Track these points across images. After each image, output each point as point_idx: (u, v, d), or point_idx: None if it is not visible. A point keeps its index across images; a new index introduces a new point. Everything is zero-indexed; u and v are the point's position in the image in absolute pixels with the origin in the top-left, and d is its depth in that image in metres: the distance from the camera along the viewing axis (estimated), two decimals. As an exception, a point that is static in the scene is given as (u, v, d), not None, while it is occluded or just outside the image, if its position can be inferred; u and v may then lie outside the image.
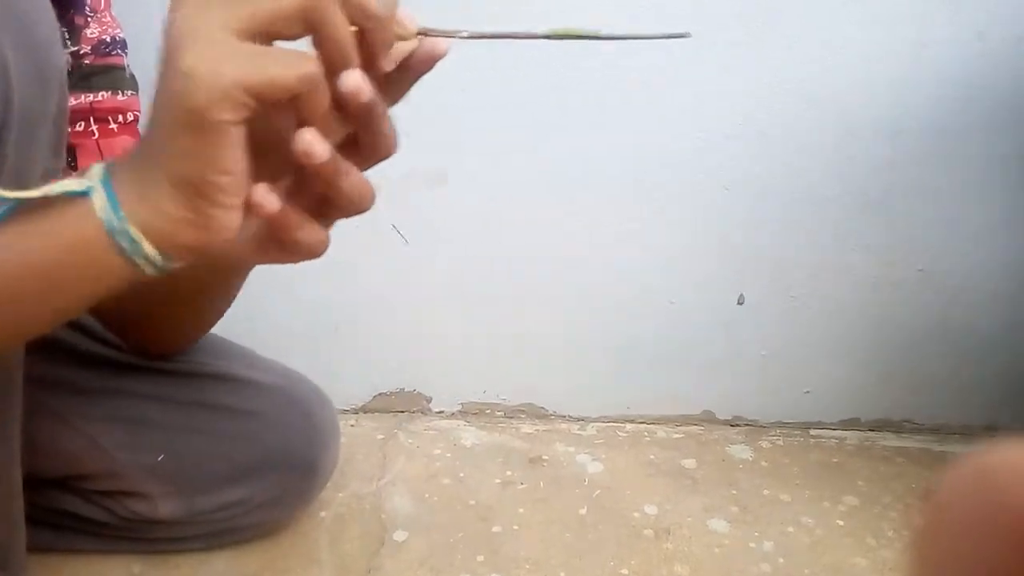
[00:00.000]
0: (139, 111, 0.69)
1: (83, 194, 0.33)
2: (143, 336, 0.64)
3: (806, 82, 0.87)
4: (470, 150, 0.91)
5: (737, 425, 1.02)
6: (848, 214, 0.93)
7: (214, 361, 0.69)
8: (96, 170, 0.34)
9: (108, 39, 0.67)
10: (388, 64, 0.34)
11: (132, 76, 0.69)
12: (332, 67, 0.32)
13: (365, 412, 1.02)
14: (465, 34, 0.35)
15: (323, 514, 0.81)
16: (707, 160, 0.91)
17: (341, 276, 0.95)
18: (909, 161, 0.91)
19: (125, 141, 0.65)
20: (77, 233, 0.33)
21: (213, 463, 0.67)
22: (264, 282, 0.91)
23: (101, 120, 0.68)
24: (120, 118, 0.67)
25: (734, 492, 0.90)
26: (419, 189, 0.92)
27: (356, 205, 0.38)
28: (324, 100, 0.32)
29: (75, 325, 0.66)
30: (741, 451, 0.98)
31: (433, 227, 0.94)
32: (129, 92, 0.68)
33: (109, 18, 0.68)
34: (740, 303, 0.96)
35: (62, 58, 0.46)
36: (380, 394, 1.01)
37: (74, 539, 0.69)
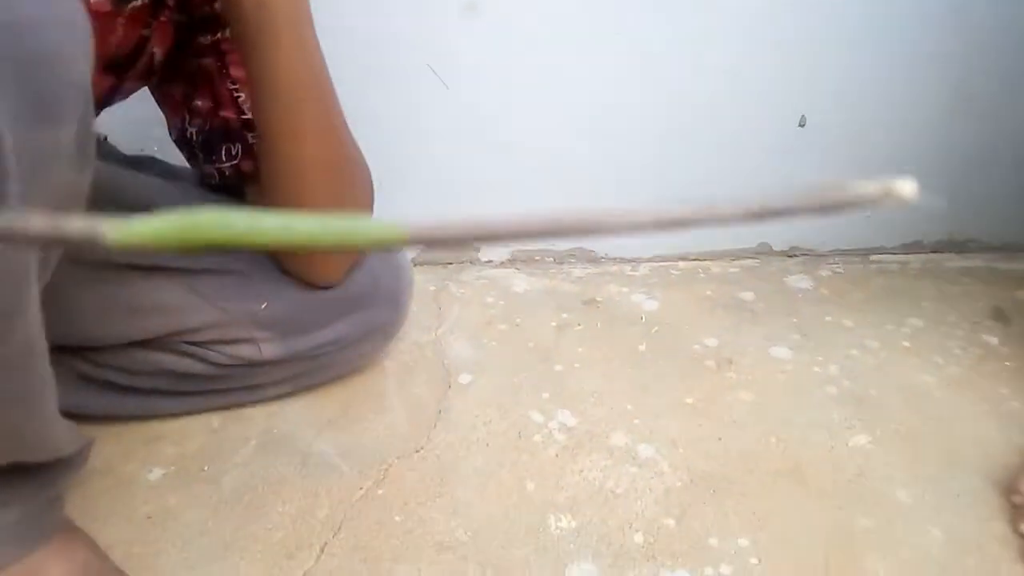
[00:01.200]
0: None
1: None
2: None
3: None
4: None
5: (795, 255, 1.00)
6: (921, 22, 0.86)
7: None
8: None
9: None
10: None
11: None
12: None
13: (415, 264, 1.01)
14: None
15: (388, 363, 0.82)
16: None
17: (381, 129, 0.91)
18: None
19: None
20: None
21: (312, 308, 0.69)
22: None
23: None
24: None
25: (794, 320, 0.88)
26: (456, 25, 0.86)
27: None
28: None
29: (174, 174, 0.69)
30: (800, 280, 0.96)
31: (474, 71, 0.89)
32: None
33: None
34: (802, 125, 0.91)
35: (83, 65, 0.36)
36: (428, 247, 1.00)
37: (158, 401, 0.71)
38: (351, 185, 0.67)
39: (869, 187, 0.14)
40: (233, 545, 0.60)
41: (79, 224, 0.15)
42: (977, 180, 0.95)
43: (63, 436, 0.54)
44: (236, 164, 0.68)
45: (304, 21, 0.59)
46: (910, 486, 0.66)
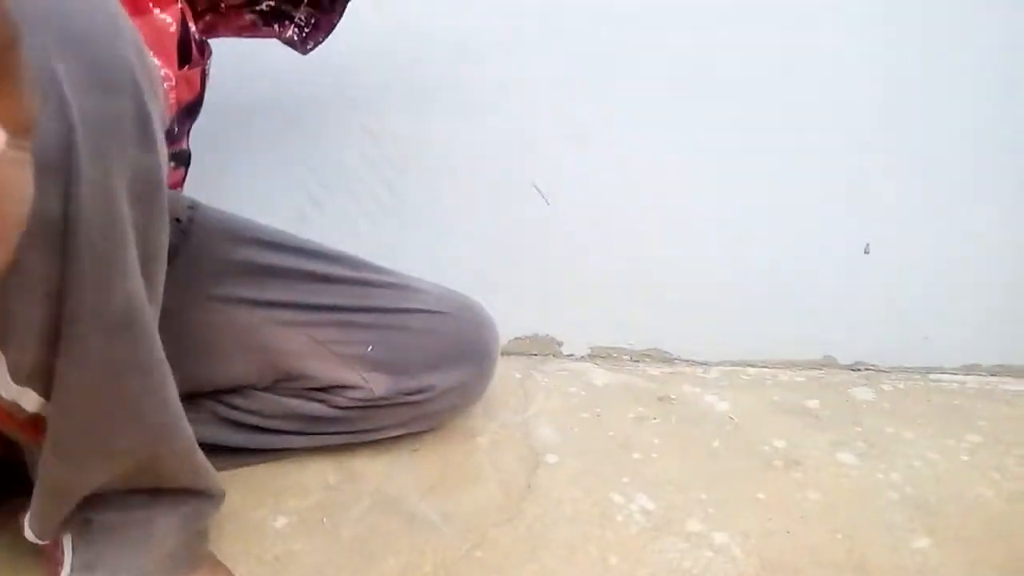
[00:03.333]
0: None
1: None
2: None
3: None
4: (607, 116, 0.97)
5: (858, 369, 1.07)
6: (975, 165, 0.96)
7: (395, 276, 0.83)
8: None
9: None
10: None
11: None
12: None
13: (504, 354, 1.10)
14: None
15: (480, 439, 0.90)
16: (842, 112, 0.95)
17: (483, 232, 1.03)
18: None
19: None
20: None
21: (413, 351, 0.80)
22: (406, 241, 1.01)
23: None
24: None
25: (858, 429, 0.95)
26: (559, 150, 0.99)
27: None
28: None
29: (297, 250, 0.79)
30: (863, 393, 1.02)
31: (568, 185, 1.01)
32: None
33: None
34: (867, 252, 1.00)
35: (129, 51, 0.42)
36: (516, 338, 1.10)
37: (289, 439, 0.81)
38: None
39: None
40: (352, 588, 0.68)
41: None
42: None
43: (202, 465, 0.62)
44: None
45: None
46: (971, 589, 0.71)
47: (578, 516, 0.78)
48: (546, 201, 1.01)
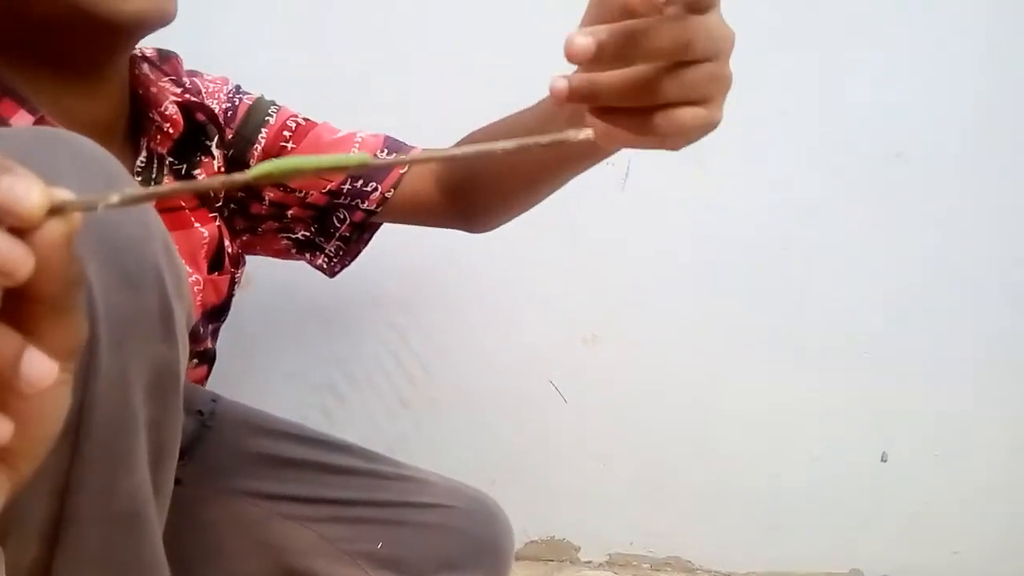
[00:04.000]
0: (294, 113, 0.75)
1: None
2: (478, 200, 0.72)
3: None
4: (622, 314, 1.00)
5: (886, 584, 1.03)
6: (991, 372, 0.98)
7: (406, 469, 0.80)
8: None
9: (228, 101, 0.74)
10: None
11: (260, 98, 0.76)
12: None
13: (517, 559, 1.05)
14: (116, 199, 0.25)
15: (499, 658, 0.84)
16: (854, 320, 0.98)
17: (498, 432, 1.03)
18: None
19: (325, 128, 0.74)
20: None
21: (424, 549, 0.76)
22: (425, 436, 1.00)
23: (286, 133, 0.74)
24: (294, 124, 0.74)
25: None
26: (575, 350, 1.01)
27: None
28: None
29: (310, 440, 0.77)
30: (896, 611, 0.97)
31: (587, 385, 1.02)
32: (272, 109, 0.75)
33: (211, 86, 0.74)
34: (884, 460, 1.00)
35: (157, 252, 0.44)
36: (531, 542, 1.05)
37: None
38: None
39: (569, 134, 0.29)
40: None
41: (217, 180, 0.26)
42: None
43: None
44: (350, 222, 0.76)
45: None
46: None
47: None
48: (564, 399, 1.01)
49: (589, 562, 1.06)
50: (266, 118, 0.74)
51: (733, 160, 0.95)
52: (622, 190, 0.96)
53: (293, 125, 0.74)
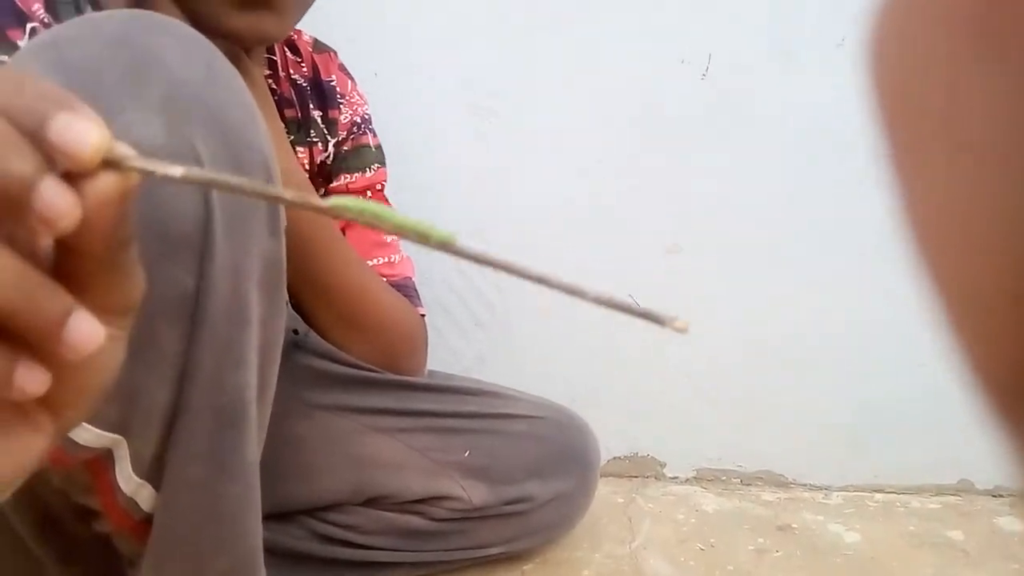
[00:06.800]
0: (385, 180, 0.78)
1: None
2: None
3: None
4: (700, 225, 0.94)
5: (1000, 495, 0.96)
6: None
7: (488, 386, 0.82)
8: None
9: (358, 119, 0.77)
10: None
11: (378, 147, 0.78)
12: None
13: (602, 475, 1.03)
14: (178, 173, 0.23)
15: (586, 572, 0.82)
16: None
17: (575, 350, 0.99)
18: None
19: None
20: None
21: (512, 458, 0.77)
22: (501, 357, 0.98)
23: (368, 192, 0.77)
24: (368, 193, 0.77)
25: (1015, 567, 0.84)
26: (657, 261, 0.95)
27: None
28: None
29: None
30: (1011, 523, 0.91)
31: (668, 297, 0.97)
32: (375, 166, 0.78)
33: (357, 97, 0.77)
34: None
35: (264, 138, 0.43)
36: (615, 458, 1.03)
37: (376, 553, 0.76)
38: (385, 333, 0.75)
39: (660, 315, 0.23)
40: None
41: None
42: None
43: None
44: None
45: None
46: None
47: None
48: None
49: (676, 478, 1.03)
50: (370, 166, 0.77)
51: (824, 52, 0.86)
52: (703, 77, 0.89)
53: (379, 188, 0.78)
